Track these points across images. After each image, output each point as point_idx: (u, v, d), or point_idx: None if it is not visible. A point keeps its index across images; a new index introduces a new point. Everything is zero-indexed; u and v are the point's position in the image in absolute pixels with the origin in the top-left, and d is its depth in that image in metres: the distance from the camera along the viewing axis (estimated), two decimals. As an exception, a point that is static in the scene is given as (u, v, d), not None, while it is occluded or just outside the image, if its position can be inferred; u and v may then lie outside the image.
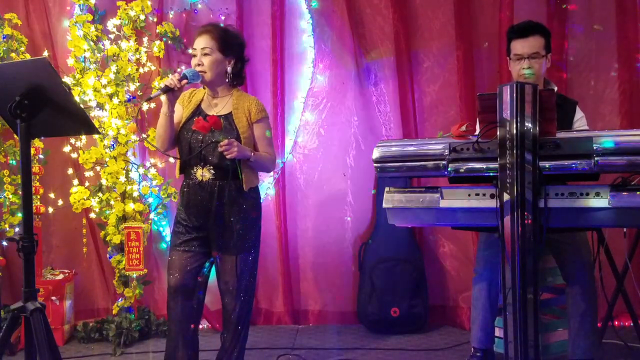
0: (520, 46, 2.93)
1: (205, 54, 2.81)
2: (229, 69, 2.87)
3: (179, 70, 4.02)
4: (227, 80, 2.89)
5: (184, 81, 2.73)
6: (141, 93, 3.94)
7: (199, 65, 2.82)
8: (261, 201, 3.00)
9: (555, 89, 3.03)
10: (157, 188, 3.97)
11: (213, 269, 2.97)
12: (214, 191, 2.80)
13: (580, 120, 3.00)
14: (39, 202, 3.86)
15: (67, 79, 3.87)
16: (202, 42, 2.83)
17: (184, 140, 2.85)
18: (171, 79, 2.72)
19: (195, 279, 2.88)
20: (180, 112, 2.90)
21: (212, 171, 2.80)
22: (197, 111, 2.89)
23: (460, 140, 2.29)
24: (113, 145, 3.84)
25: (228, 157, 2.71)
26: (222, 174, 2.80)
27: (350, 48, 4.17)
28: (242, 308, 2.91)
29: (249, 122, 2.86)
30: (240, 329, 2.93)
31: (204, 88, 2.96)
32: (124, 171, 3.84)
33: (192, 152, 2.82)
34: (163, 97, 2.76)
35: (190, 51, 2.90)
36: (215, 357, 2.98)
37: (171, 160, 3.89)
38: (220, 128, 2.77)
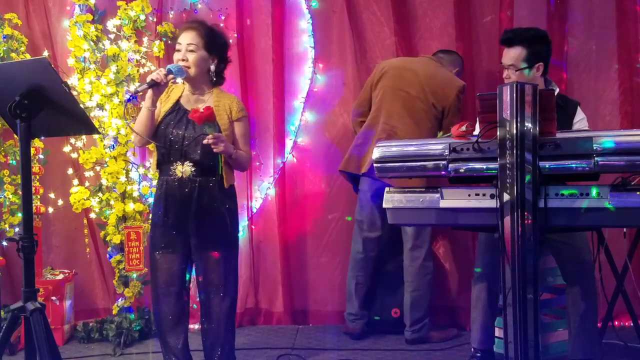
0: (504, 55, 2.94)
1: (191, 50, 2.81)
2: (212, 67, 2.88)
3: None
4: (209, 78, 2.89)
5: (170, 76, 2.73)
6: (141, 93, 3.93)
7: (183, 60, 2.80)
8: (237, 198, 2.98)
9: (557, 90, 3.03)
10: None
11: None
12: (194, 187, 2.79)
13: (580, 121, 2.99)
14: (39, 202, 3.86)
15: (75, 80, 3.87)
16: (188, 38, 2.82)
17: (163, 136, 2.82)
18: (157, 74, 2.71)
19: (181, 280, 2.88)
20: (159, 107, 2.88)
21: (192, 167, 2.79)
22: (177, 107, 2.88)
23: (460, 140, 2.29)
24: (113, 145, 3.85)
25: (215, 151, 2.69)
26: (202, 171, 2.80)
27: (350, 48, 4.17)
28: (230, 305, 2.90)
29: (229, 119, 2.86)
30: (231, 327, 2.92)
31: (183, 84, 2.94)
32: (124, 171, 3.84)
33: (172, 147, 2.80)
34: (148, 92, 2.75)
35: (176, 47, 2.88)
36: (204, 358, 2.97)
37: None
38: (213, 120, 2.74)
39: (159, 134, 2.84)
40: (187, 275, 2.96)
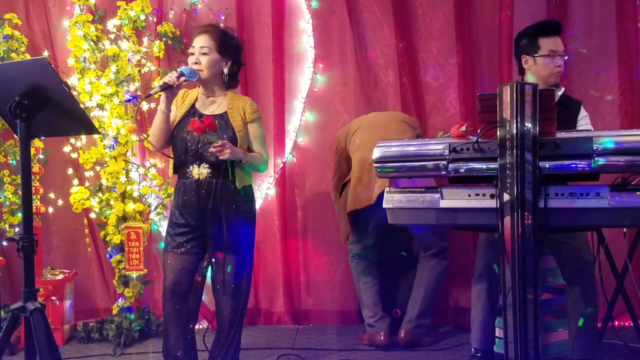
0: (553, 43, 2.94)
1: (204, 53, 2.85)
2: (226, 70, 2.92)
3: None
4: (223, 81, 2.92)
5: (182, 78, 2.76)
6: (141, 93, 3.94)
7: (196, 63, 2.85)
8: (255, 199, 3.02)
9: (562, 89, 3.04)
10: (157, 188, 3.98)
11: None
12: (210, 189, 2.81)
13: (584, 119, 3.02)
14: (39, 202, 3.86)
15: (75, 80, 3.87)
16: (201, 41, 2.86)
17: (179, 139, 2.86)
18: (170, 76, 2.75)
19: (190, 281, 2.89)
20: (174, 111, 2.92)
21: (208, 169, 2.81)
22: (192, 110, 2.91)
23: (460, 140, 2.29)
24: (113, 145, 3.84)
25: (221, 158, 2.72)
26: (218, 172, 2.82)
27: (350, 48, 4.17)
28: (239, 306, 2.93)
29: (244, 121, 2.89)
30: (236, 328, 2.94)
31: (198, 87, 2.98)
32: (124, 171, 3.84)
33: (188, 150, 2.82)
34: (161, 95, 2.78)
35: (189, 50, 2.93)
36: (208, 357, 2.99)
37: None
38: (215, 129, 2.77)
39: (176, 138, 2.88)
40: (204, 274, 2.99)
